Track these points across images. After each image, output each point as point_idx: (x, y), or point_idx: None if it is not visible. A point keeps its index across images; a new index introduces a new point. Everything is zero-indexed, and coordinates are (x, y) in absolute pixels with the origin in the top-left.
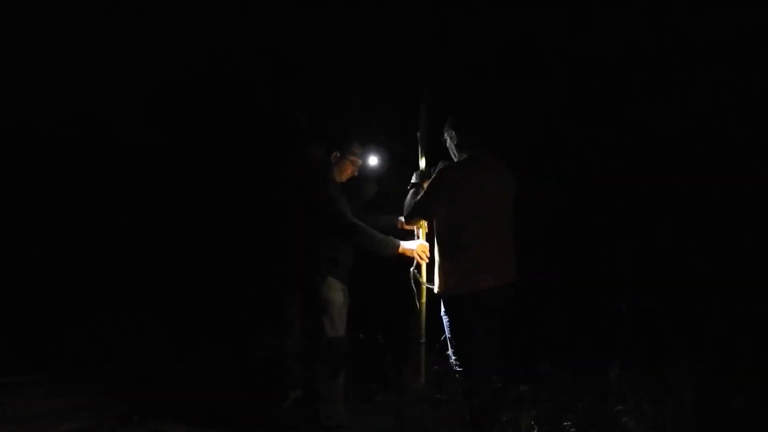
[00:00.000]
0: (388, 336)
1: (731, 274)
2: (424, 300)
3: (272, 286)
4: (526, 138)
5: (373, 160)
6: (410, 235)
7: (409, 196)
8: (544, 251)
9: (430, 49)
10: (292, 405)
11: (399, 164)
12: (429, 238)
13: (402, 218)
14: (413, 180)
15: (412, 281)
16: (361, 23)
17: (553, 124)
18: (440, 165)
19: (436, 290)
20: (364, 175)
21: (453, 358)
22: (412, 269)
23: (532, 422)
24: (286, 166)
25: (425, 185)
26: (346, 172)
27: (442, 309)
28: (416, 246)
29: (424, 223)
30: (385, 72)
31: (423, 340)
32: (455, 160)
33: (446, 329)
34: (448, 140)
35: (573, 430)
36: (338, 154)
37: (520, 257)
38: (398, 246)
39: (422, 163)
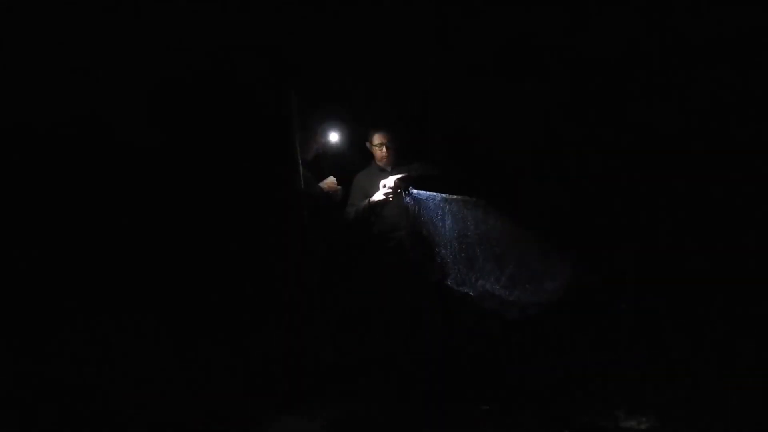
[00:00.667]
0: None
1: (731, 274)
2: None
3: (272, 286)
4: (526, 138)
5: (333, 137)
6: None
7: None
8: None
9: (430, 49)
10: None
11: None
12: None
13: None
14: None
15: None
16: (361, 23)
17: (553, 124)
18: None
19: None
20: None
21: None
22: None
23: (536, 423)
24: (286, 166)
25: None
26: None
27: None
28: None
29: None
30: (385, 72)
31: None
32: None
33: None
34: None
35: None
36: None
37: None
38: None
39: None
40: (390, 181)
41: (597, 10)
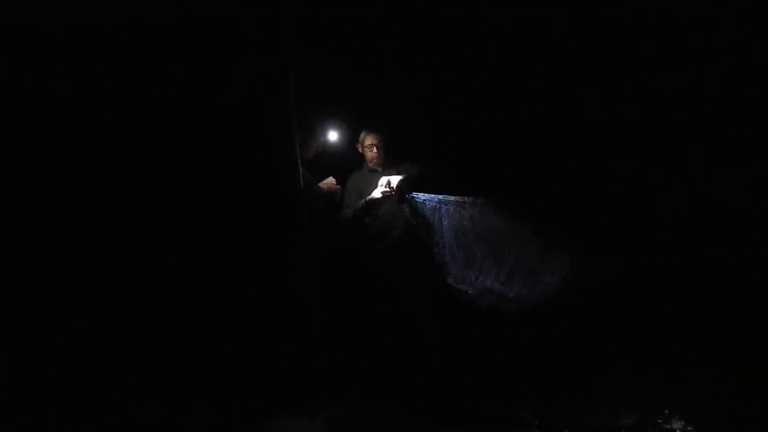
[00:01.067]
0: None
1: (731, 274)
2: None
3: (272, 286)
4: (527, 138)
5: (333, 136)
6: None
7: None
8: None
9: (429, 48)
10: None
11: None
12: None
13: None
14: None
15: None
16: (361, 23)
17: (553, 124)
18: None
19: None
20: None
21: None
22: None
23: (536, 422)
24: (286, 166)
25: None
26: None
27: None
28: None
29: None
30: (383, 71)
31: None
32: None
33: None
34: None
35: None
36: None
37: None
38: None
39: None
40: (393, 181)
41: (597, 9)
